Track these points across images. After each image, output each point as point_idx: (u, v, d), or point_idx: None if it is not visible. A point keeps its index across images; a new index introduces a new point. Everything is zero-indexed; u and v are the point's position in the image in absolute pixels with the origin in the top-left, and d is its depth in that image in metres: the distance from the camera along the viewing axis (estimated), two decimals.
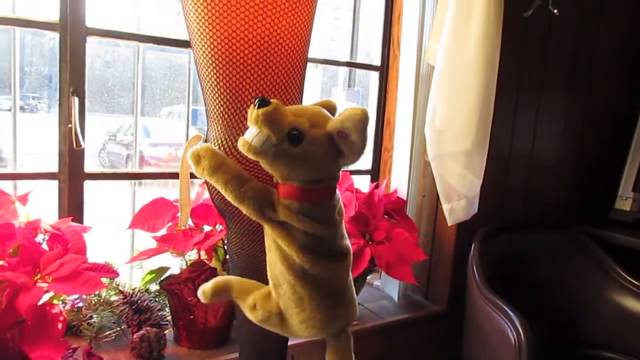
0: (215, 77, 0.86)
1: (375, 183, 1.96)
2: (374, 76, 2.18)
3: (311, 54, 2.05)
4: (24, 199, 1.39)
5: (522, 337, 1.42)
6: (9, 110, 1.61)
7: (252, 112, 0.76)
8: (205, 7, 0.81)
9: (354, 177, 2.17)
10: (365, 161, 2.23)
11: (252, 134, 0.78)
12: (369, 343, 1.77)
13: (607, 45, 2.24)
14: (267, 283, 0.91)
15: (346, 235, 0.90)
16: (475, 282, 1.70)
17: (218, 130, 0.89)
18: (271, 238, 0.85)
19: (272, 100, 0.76)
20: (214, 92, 0.87)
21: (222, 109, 0.88)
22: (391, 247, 1.66)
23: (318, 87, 2.17)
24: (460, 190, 1.76)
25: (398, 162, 1.96)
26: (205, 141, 0.93)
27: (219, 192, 0.83)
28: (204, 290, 0.92)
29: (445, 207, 1.74)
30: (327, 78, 2.44)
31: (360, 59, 2.26)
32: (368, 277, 2.09)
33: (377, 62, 2.16)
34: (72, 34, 1.50)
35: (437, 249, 1.97)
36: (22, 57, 1.58)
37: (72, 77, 1.52)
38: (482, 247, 1.80)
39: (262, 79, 0.85)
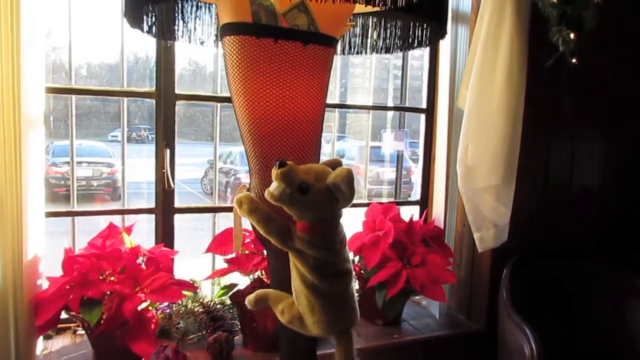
0: (252, 146, 1.20)
1: (412, 214, 2.20)
2: (422, 117, 2.45)
3: (362, 101, 2.36)
4: (129, 230, 1.82)
5: (535, 352, 1.61)
6: (119, 141, 2.07)
7: (274, 171, 1.09)
8: (245, 99, 1.16)
9: (407, 207, 2.45)
10: (415, 193, 2.49)
11: (274, 186, 1.10)
12: (410, 355, 2.01)
13: None
14: (292, 294, 1.21)
15: (349, 259, 1.19)
16: (504, 303, 1.90)
17: (255, 182, 1.23)
18: (292, 261, 1.16)
19: (288, 162, 1.08)
20: (252, 155, 1.21)
21: (257, 167, 1.21)
22: (425, 271, 1.90)
23: (369, 128, 2.47)
24: (491, 220, 1.97)
25: (438, 195, 2.21)
26: (248, 190, 1.26)
27: None
28: (249, 299, 1.24)
29: (476, 235, 1.96)
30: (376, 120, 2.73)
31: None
32: (417, 297, 2.33)
33: (424, 105, 2.43)
34: (165, 100, 1.93)
35: (476, 273, 2.17)
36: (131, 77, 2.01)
37: (165, 134, 1.94)
38: (514, 272, 1.99)
39: (283, 148, 1.18)
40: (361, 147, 2.76)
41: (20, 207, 1.50)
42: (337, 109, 2.32)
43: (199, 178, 10.49)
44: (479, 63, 1.91)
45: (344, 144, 10.29)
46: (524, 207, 2.08)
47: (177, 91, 1.95)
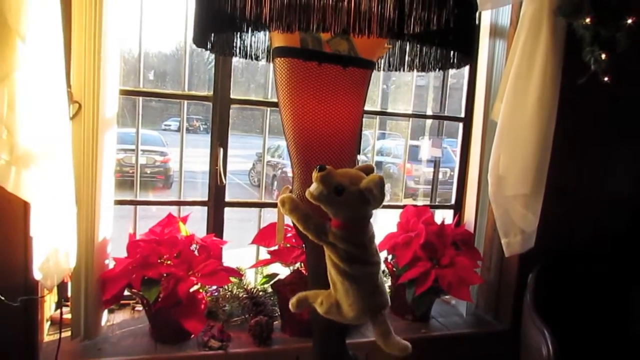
0: (295, 154, 1.38)
1: (444, 218, 2.33)
2: (460, 126, 2.56)
3: (401, 109, 2.49)
4: (184, 220, 2.03)
5: (551, 352, 1.72)
6: (177, 130, 2.28)
7: (314, 174, 1.25)
8: (291, 113, 1.33)
9: (444, 211, 2.58)
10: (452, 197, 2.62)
11: (314, 187, 1.27)
12: (436, 349, 2.14)
13: None
14: (325, 282, 1.38)
15: (377, 253, 1.34)
16: (528, 306, 2.01)
17: (297, 185, 1.40)
18: (327, 253, 1.33)
19: (327, 166, 1.25)
20: (295, 162, 1.39)
21: (299, 172, 1.39)
22: (453, 271, 2.03)
23: (408, 135, 2.61)
24: (520, 226, 2.07)
25: (470, 200, 2.33)
26: (290, 191, 1.44)
27: None
28: (291, 303, 1.42)
29: (504, 241, 2.07)
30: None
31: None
32: (446, 297, 2.45)
33: (462, 114, 2.54)
34: (221, 104, 2.13)
35: (504, 276, 2.28)
36: (190, 81, 2.20)
37: (220, 134, 2.14)
38: (539, 276, 2.10)
39: (323, 157, 1.35)
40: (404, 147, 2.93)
41: (94, 196, 1.72)
42: (378, 116, 2.46)
43: (247, 170, 10.73)
44: (513, 78, 2.00)
45: (390, 142, 10.36)
46: (553, 214, 2.16)
47: (232, 96, 2.15)
